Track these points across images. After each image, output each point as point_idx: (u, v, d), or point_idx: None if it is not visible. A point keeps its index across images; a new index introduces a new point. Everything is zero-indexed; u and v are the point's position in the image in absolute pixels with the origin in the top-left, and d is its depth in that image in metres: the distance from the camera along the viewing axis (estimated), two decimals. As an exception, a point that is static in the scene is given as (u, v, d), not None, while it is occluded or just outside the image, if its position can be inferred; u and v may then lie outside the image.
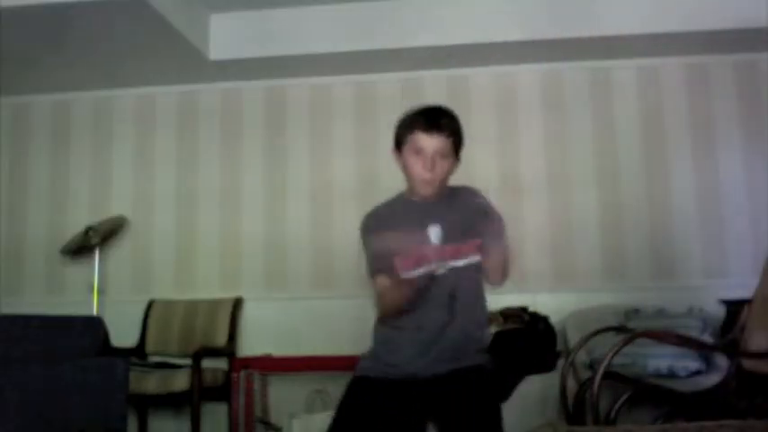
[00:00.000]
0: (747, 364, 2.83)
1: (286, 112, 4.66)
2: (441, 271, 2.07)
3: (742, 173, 4.31)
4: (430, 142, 2.09)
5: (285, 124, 4.65)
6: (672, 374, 3.32)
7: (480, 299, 2.20)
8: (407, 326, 2.14)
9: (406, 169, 2.16)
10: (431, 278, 2.06)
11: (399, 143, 2.17)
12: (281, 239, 4.53)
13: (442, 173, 2.12)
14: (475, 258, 2.09)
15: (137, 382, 3.61)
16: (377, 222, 2.22)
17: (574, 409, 3.14)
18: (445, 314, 2.11)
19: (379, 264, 2.14)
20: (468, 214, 2.12)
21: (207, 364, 3.92)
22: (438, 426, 2.04)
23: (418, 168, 2.11)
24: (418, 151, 2.10)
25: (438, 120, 2.12)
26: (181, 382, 3.78)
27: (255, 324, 4.36)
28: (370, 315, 4.61)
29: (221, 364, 4.14)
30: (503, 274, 2.13)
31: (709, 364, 3.38)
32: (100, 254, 4.36)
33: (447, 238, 2.08)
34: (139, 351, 4.32)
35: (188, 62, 4.33)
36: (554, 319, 4.01)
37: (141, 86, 4.71)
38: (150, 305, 4.43)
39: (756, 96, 4.34)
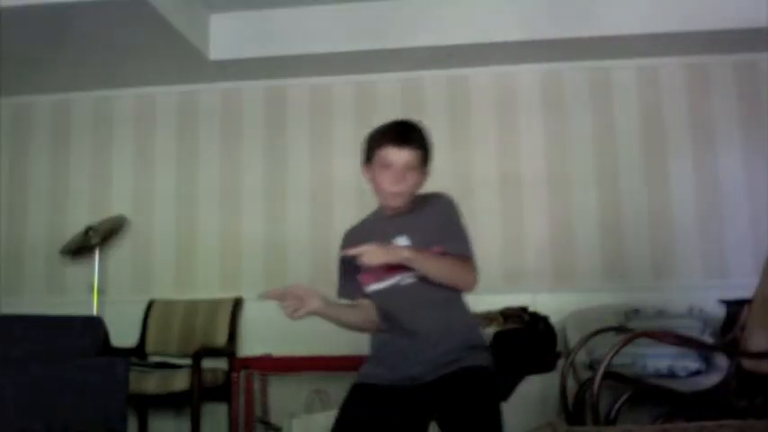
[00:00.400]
0: (747, 364, 2.83)
1: (286, 112, 4.67)
2: (408, 281, 2.13)
3: (742, 173, 4.31)
4: (399, 156, 2.13)
5: (285, 124, 4.65)
6: (672, 374, 3.32)
7: (454, 301, 2.21)
8: (395, 332, 2.17)
9: (374, 183, 2.20)
10: (402, 288, 2.13)
11: (368, 158, 2.21)
12: (281, 239, 4.53)
13: (411, 185, 2.16)
14: None
15: (137, 382, 3.61)
16: (352, 238, 2.26)
17: (574, 409, 3.14)
18: (424, 320, 2.14)
19: (341, 285, 2.28)
20: (434, 223, 2.17)
21: (207, 364, 3.92)
22: (441, 429, 2.03)
23: (387, 182, 2.15)
24: (388, 165, 2.14)
25: (407, 134, 2.18)
26: (181, 382, 3.78)
27: (255, 324, 4.36)
28: (370, 315, 4.58)
29: (221, 364, 4.14)
30: (455, 278, 2.14)
31: (709, 364, 3.38)
32: (100, 254, 4.36)
33: (416, 247, 2.11)
34: (139, 351, 4.32)
35: (188, 62, 4.33)
36: (554, 319, 4.03)
37: (141, 86, 4.71)
38: (150, 305, 4.44)
39: (756, 96, 4.34)
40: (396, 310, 2.16)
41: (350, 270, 2.21)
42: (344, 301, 2.27)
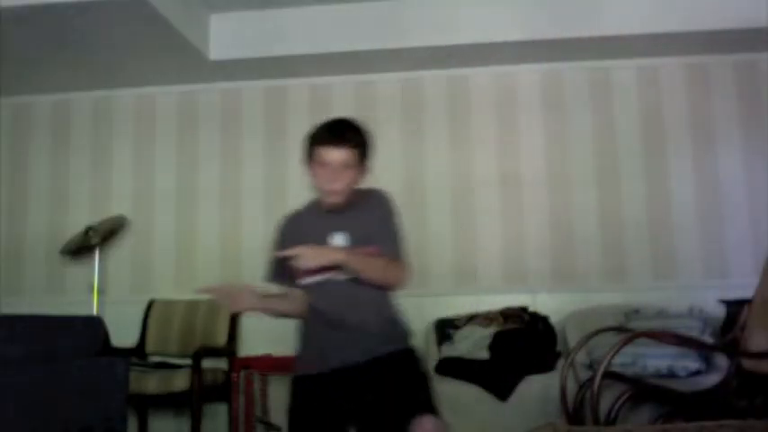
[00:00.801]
0: (747, 364, 2.83)
1: (286, 112, 4.66)
2: (340, 277, 2.23)
3: (742, 173, 4.31)
4: (334, 155, 2.22)
5: (285, 124, 4.65)
6: (672, 374, 3.32)
7: (385, 297, 2.31)
8: (327, 324, 2.27)
9: (314, 181, 2.28)
10: (334, 284, 2.24)
11: (309, 156, 2.28)
12: (281, 239, 4.52)
13: (348, 183, 2.25)
14: None
15: (137, 382, 3.61)
16: (289, 227, 2.40)
17: (574, 409, 3.14)
18: (356, 314, 2.25)
19: (271, 271, 2.37)
20: (370, 221, 2.28)
21: (207, 364, 3.92)
22: (373, 411, 2.18)
23: (324, 180, 2.24)
24: (324, 164, 2.23)
25: (341, 133, 2.25)
26: (181, 382, 3.78)
27: (255, 324, 4.34)
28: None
29: (221, 364, 4.13)
30: (386, 279, 2.26)
31: (709, 364, 3.38)
32: (100, 254, 4.36)
33: (354, 243, 2.24)
34: (139, 351, 4.31)
35: (188, 62, 4.33)
36: (554, 319, 4.04)
37: (141, 86, 4.72)
38: (150, 305, 4.43)
39: (756, 96, 4.34)
40: (328, 304, 2.26)
41: (281, 258, 2.29)
42: (275, 289, 2.38)
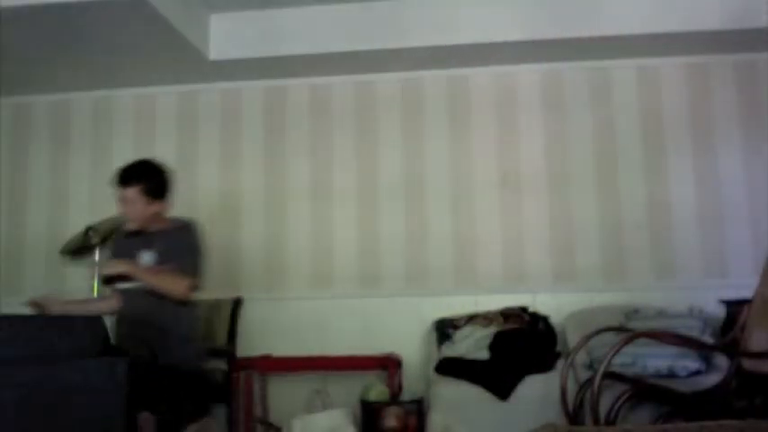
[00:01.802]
0: (747, 364, 2.83)
1: (286, 112, 4.66)
2: (139, 285, 2.91)
3: (742, 173, 4.31)
4: (120, 193, 2.98)
5: (285, 124, 4.65)
6: (672, 374, 3.32)
7: (177, 310, 2.99)
8: (123, 317, 3.02)
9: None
10: (137, 290, 2.92)
11: None
12: (280, 239, 4.53)
13: (138, 213, 2.99)
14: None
15: (137, 382, 3.61)
16: (115, 243, 3.20)
17: (574, 409, 3.14)
18: (139, 312, 2.93)
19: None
20: (172, 244, 2.99)
21: (207, 364, 3.91)
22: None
23: (119, 212, 3.04)
24: (118, 200, 3.00)
25: (125, 176, 2.97)
26: (181, 382, 3.77)
27: (255, 324, 4.36)
28: (370, 314, 4.63)
29: (221, 364, 4.13)
30: (167, 289, 2.93)
31: (709, 364, 3.38)
32: (100, 254, 4.35)
33: (159, 261, 2.97)
34: (139, 351, 4.31)
35: (188, 62, 4.33)
36: (554, 319, 4.04)
37: (141, 86, 4.72)
38: (150, 305, 4.43)
39: (756, 96, 4.34)
40: (131, 307, 2.95)
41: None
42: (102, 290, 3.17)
